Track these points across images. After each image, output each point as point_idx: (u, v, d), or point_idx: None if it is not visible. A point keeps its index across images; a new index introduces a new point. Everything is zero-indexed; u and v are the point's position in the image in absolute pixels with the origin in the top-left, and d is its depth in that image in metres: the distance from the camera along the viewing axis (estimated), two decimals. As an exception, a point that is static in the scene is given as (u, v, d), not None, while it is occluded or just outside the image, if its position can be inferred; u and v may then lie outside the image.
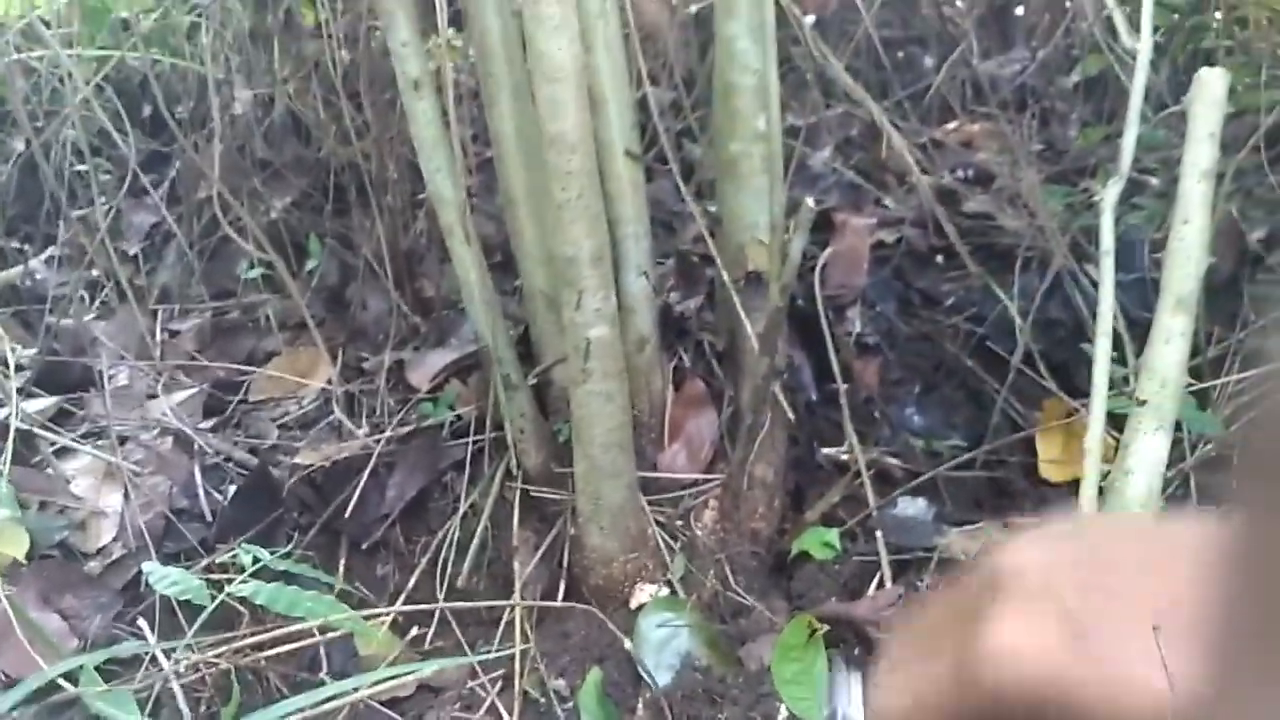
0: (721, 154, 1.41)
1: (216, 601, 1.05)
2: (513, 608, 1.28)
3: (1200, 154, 1.07)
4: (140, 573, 1.33)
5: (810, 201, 1.17)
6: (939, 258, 1.63)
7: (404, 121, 1.67)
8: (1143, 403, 0.98)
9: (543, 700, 1.20)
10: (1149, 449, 0.98)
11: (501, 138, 1.41)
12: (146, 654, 1.16)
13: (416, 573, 1.40)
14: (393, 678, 1.18)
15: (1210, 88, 1.09)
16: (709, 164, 1.76)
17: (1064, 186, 1.69)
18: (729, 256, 1.40)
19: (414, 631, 1.33)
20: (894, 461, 1.44)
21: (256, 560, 1.07)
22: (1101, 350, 0.98)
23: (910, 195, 1.72)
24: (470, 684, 1.23)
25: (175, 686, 1.12)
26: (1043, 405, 1.46)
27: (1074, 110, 1.95)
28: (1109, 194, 1.03)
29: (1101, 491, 0.99)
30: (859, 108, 1.90)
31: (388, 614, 1.27)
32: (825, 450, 1.46)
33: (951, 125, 1.93)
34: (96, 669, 1.06)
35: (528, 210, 1.43)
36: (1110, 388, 1.29)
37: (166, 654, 1.13)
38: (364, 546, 1.44)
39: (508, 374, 1.41)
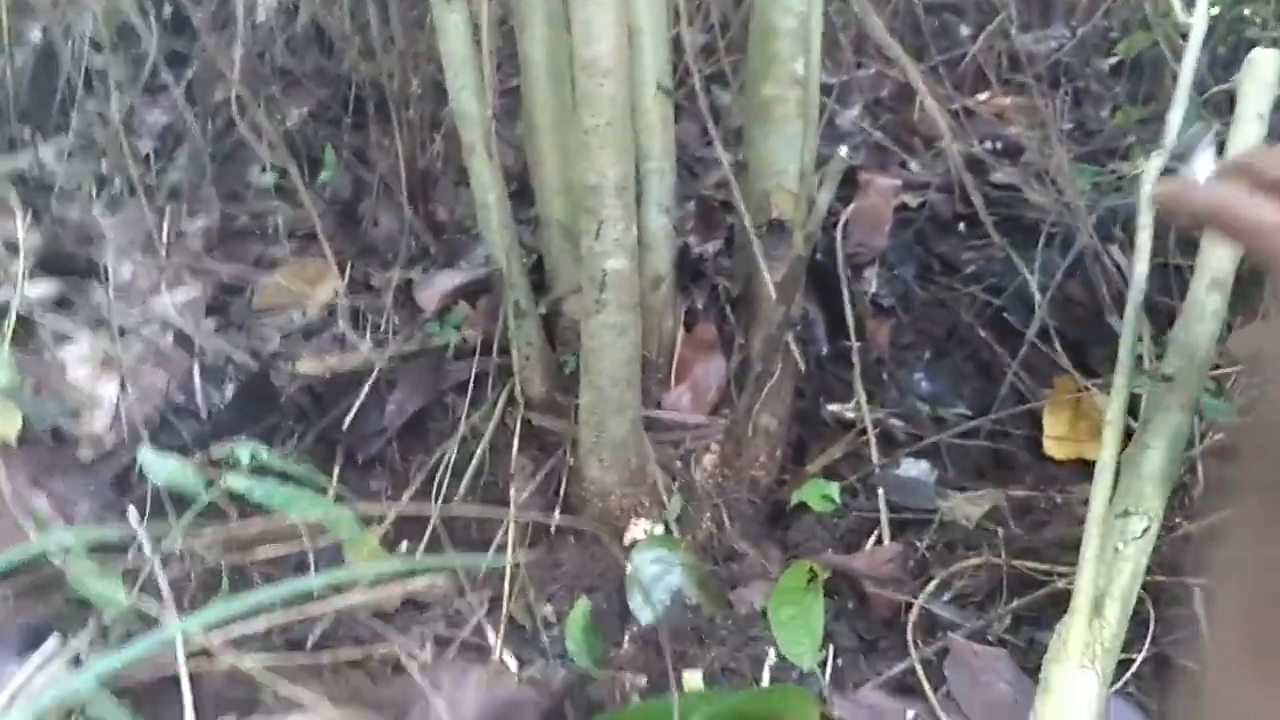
0: (754, 98, 1.39)
1: (209, 493, 1.03)
2: (506, 526, 1.27)
3: (1248, 134, 1.06)
4: (131, 465, 1.31)
5: (844, 151, 1.15)
6: (961, 226, 1.61)
7: (431, 39, 1.64)
8: (1169, 378, 0.97)
9: (529, 626, 1.19)
10: (1170, 425, 0.97)
11: (531, 63, 1.38)
12: (133, 542, 1.14)
13: (411, 490, 1.38)
14: (384, 581, 1.18)
15: (1261, 68, 1.08)
16: (737, 111, 1.74)
17: (1093, 166, 1.67)
18: (753, 203, 1.39)
19: (404, 546, 1.32)
20: (899, 424, 1.43)
21: (254, 456, 1.06)
22: (1131, 320, 0.96)
23: (937, 161, 1.70)
24: (457, 603, 1.22)
25: (160, 577, 1.11)
26: (1053, 382, 1.45)
27: (1108, 92, 1.93)
28: (1152, 165, 1.01)
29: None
30: (891, 69, 1.88)
31: (384, 517, 1.26)
32: (831, 407, 1.45)
33: (984, 96, 1.91)
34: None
35: (552, 138, 1.41)
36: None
37: (154, 543, 1.11)
38: (360, 461, 1.43)
39: (518, 300, 1.39)
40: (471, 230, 1.72)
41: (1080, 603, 0.84)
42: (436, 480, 1.40)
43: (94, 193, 1.80)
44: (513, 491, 1.34)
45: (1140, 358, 1.39)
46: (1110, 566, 0.88)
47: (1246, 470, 0.51)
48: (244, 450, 1.07)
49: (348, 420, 1.44)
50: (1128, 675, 0.98)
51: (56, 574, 1.07)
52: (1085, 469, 1.42)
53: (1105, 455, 0.89)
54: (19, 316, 1.42)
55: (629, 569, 1.20)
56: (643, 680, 1.10)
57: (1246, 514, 0.50)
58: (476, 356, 1.47)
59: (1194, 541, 1.10)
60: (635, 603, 1.17)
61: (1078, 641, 0.82)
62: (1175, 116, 1.05)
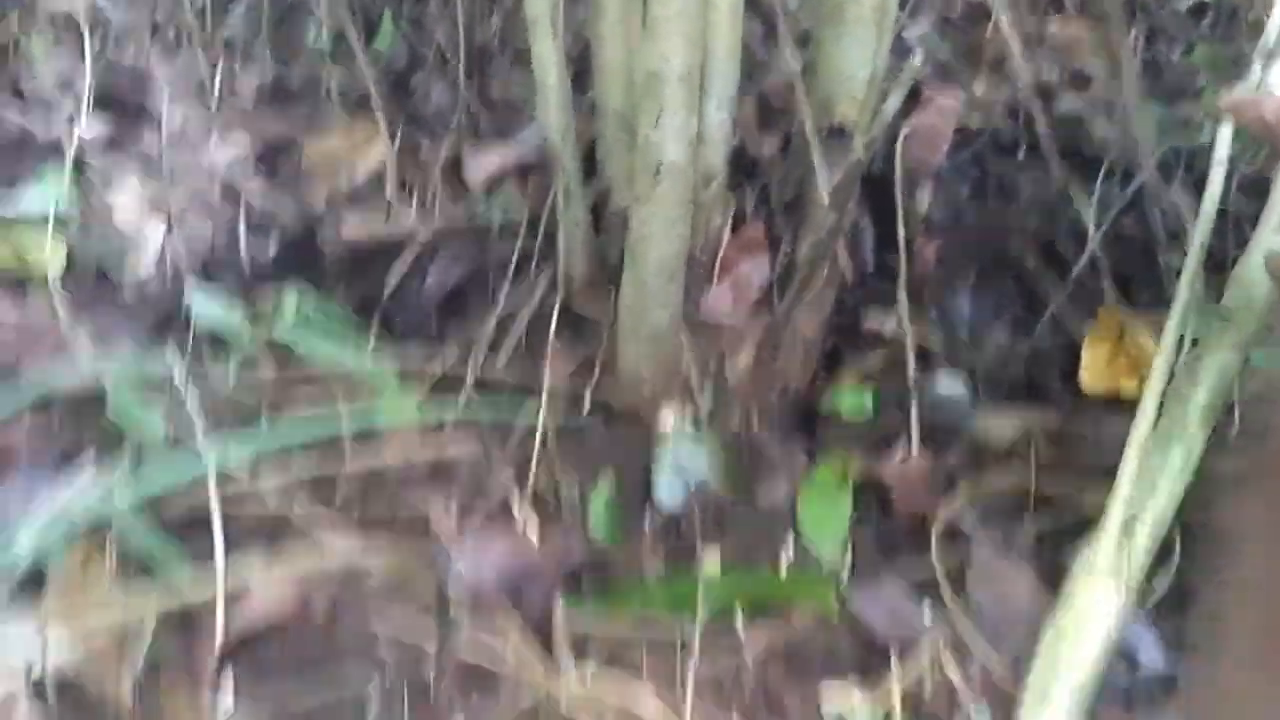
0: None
1: (251, 340, 1.04)
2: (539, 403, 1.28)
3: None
4: (173, 309, 1.32)
5: (917, 59, 1.13)
6: (1020, 152, 1.59)
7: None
8: (1226, 317, 0.96)
9: (552, 500, 1.21)
10: (1220, 363, 0.96)
11: (601, -57, 1.36)
12: (172, 382, 1.15)
13: (447, 364, 1.39)
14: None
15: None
16: (805, 14, 1.70)
17: (1161, 105, 1.64)
18: (815, 107, 1.36)
19: (436, 416, 1.33)
20: (937, 343, 1.43)
21: (299, 306, 1.06)
22: (1196, 252, 0.95)
23: (1002, 85, 1.67)
24: (483, 474, 1.23)
25: (196, 417, 1.12)
26: (1097, 315, 1.44)
27: (1182, 33, 1.88)
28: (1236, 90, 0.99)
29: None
30: (965, -12, 1.84)
31: (421, 379, 1.25)
32: (870, 320, 1.44)
33: (1055, 27, 1.87)
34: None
35: (616, 18, 1.38)
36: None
37: (193, 381, 1.12)
38: (398, 331, 1.43)
39: (568, 183, 1.38)
40: (524, 110, 1.70)
41: (1112, 522, 0.85)
42: (472, 357, 1.40)
43: (149, 39, 1.79)
44: (547, 373, 1.35)
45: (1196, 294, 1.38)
46: (1146, 492, 0.88)
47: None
48: (290, 298, 1.07)
49: (388, 289, 1.44)
50: (1150, 602, 0.99)
51: (95, 402, 1.08)
52: (1118, 406, 1.42)
53: (1155, 383, 0.88)
54: (70, 153, 1.42)
55: (656, 455, 1.21)
56: (660, 561, 1.11)
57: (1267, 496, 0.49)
58: (520, 238, 1.47)
59: (1227, 482, 1.10)
60: (660, 488, 1.19)
61: (1106, 558, 0.82)
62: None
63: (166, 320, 1.34)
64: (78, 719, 0.83)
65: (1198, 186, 1.53)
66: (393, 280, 1.42)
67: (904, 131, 1.53)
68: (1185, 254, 1.43)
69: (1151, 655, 0.94)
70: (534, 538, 1.11)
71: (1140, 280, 1.45)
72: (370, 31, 1.87)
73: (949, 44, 1.78)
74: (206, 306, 1.05)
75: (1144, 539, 0.86)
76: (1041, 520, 1.09)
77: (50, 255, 1.27)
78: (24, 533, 0.93)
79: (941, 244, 1.50)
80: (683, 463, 1.20)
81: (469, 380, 1.36)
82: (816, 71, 1.40)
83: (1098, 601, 0.80)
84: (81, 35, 1.80)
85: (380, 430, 1.30)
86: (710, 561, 1.08)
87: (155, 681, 0.89)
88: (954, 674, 0.90)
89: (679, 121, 1.22)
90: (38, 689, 0.82)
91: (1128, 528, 0.85)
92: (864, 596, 0.96)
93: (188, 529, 1.07)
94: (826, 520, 1.02)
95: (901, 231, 1.43)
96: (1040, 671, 0.76)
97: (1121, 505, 0.85)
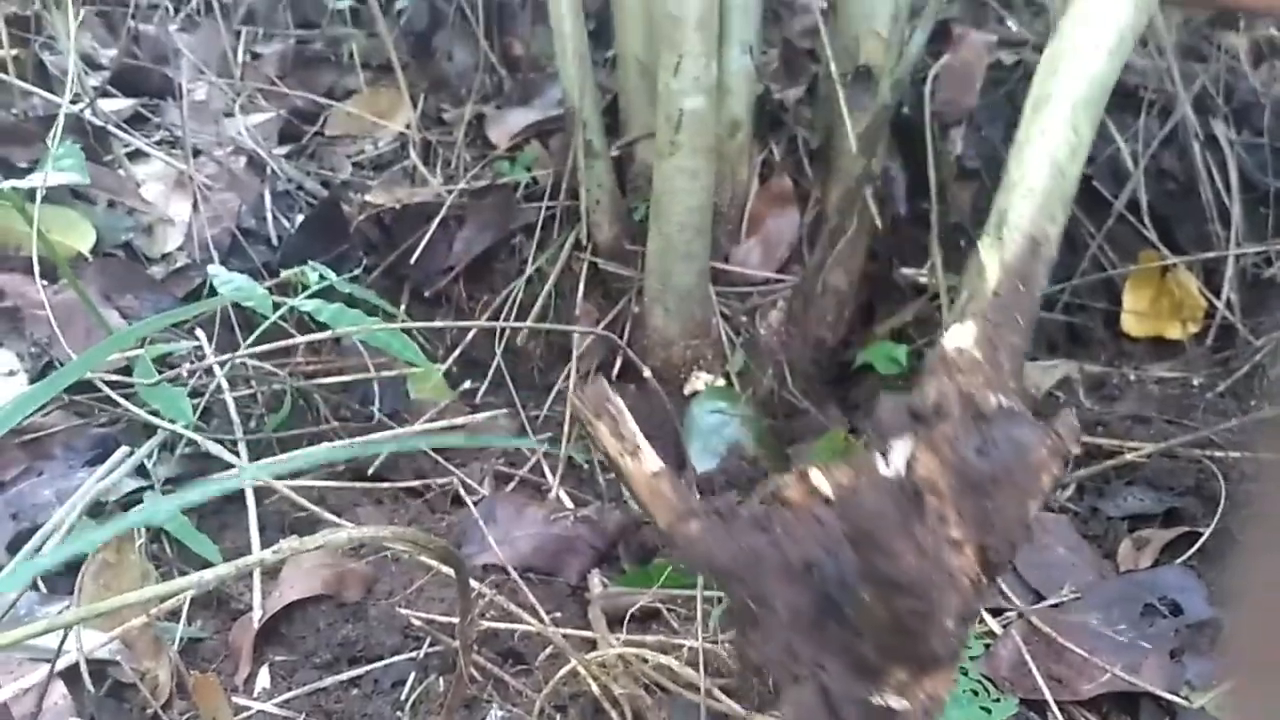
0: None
1: (278, 313, 1.04)
2: (568, 370, 1.27)
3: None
4: (201, 285, 1.32)
5: (941, -4, 1.09)
6: (1056, 88, 1.54)
7: None
8: None
9: (585, 467, 1.20)
10: None
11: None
12: (199, 359, 1.15)
13: (475, 330, 1.38)
14: (447, 428, 1.19)
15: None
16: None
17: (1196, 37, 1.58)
18: (839, 49, 1.33)
19: (466, 384, 1.33)
20: (973, 290, 1.39)
21: (323, 279, 1.06)
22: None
23: (1036, 19, 1.62)
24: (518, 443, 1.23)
25: (227, 396, 1.12)
26: (1137, 258, 1.40)
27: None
28: None
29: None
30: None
31: (449, 349, 1.25)
32: (905, 270, 1.41)
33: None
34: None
35: (636, -29, 1.35)
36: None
37: (221, 363, 1.13)
38: (426, 295, 1.43)
39: (591, 140, 1.36)
40: (548, 69, 1.68)
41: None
42: (500, 320, 1.40)
43: (170, 10, 1.78)
44: (575, 336, 1.34)
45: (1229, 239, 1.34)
46: None
47: None
48: (313, 273, 1.07)
49: (415, 255, 1.44)
50: (1192, 550, 0.97)
51: (126, 384, 1.08)
52: (1162, 347, 1.38)
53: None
54: (93, 129, 1.41)
55: (688, 417, 1.20)
56: (696, 527, 1.10)
57: None
58: (546, 199, 1.45)
59: (1265, 424, 1.07)
60: (693, 451, 1.17)
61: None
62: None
63: (195, 295, 1.34)
64: (116, 702, 0.84)
65: (1239, 118, 1.48)
66: (419, 248, 1.41)
67: (934, 71, 1.49)
68: (1228, 189, 1.39)
69: (1195, 603, 0.92)
70: (569, 507, 1.11)
71: (1180, 217, 1.41)
72: (390, -7, 1.85)
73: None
74: (229, 282, 1.04)
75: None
76: (1081, 469, 1.07)
77: (75, 238, 1.27)
78: (58, 518, 0.94)
79: (977, 187, 1.46)
80: (715, 425, 1.19)
81: (498, 347, 1.35)
82: (840, 11, 1.36)
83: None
84: (104, 9, 1.80)
85: (410, 400, 1.30)
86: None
87: (193, 663, 0.90)
88: (993, 626, 0.88)
89: (699, 69, 1.19)
90: (74, 673, 0.83)
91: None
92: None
93: (225, 508, 1.08)
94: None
95: (934, 176, 1.39)
96: (1040, 79, 0.69)
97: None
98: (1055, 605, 0.90)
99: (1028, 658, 0.84)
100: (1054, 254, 0.64)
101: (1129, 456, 1.06)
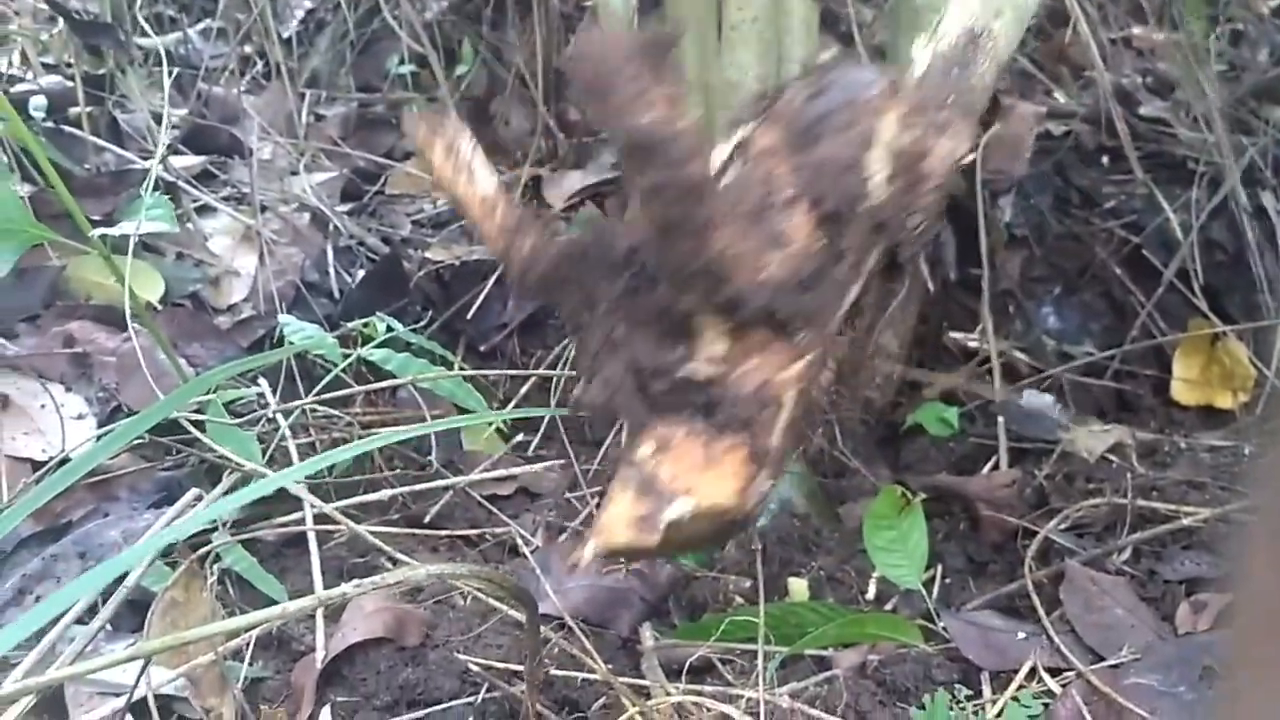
0: (903, 7, 1.35)
1: (346, 361, 1.06)
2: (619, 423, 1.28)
3: None
4: (265, 335, 1.35)
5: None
6: (1104, 159, 1.56)
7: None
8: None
9: (638, 521, 1.21)
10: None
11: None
12: (264, 407, 1.18)
13: (528, 384, 1.40)
14: (501, 478, 1.21)
15: None
16: (881, 26, 1.70)
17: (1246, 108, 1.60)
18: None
19: (519, 437, 1.35)
20: (1022, 357, 1.41)
21: (390, 330, 1.09)
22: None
23: (1084, 91, 1.65)
24: (569, 495, 1.24)
25: (290, 443, 1.15)
26: (1187, 326, 1.41)
27: (1266, 36, 1.84)
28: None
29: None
30: (1044, -5, 1.81)
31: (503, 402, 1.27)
32: (954, 334, 1.43)
33: (1138, 29, 1.83)
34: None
35: (693, 35, 1.39)
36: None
37: (285, 411, 1.15)
38: (481, 350, 1.46)
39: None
40: (601, 134, 1.72)
41: None
42: (555, 375, 1.42)
43: (238, 73, 1.84)
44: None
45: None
46: None
47: None
48: (380, 324, 1.10)
49: (471, 310, 1.47)
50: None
51: (193, 429, 1.11)
52: (1212, 416, 1.39)
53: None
54: (164, 185, 1.46)
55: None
56: (746, 584, 1.11)
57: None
58: (600, 257, 1.48)
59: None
60: (745, 508, 1.18)
61: None
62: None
63: (259, 346, 1.37)
64: (182, 739, 0.86)
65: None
66: (476, 304, 1.44)
67: (984, 140, 1.52)
68: (1277, 260, 1.40)
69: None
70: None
71: (1228, 287, 1.42)
72: (450, 58, 1.90)
73: (1030, 50, 1.76)
74: (299, 330, 1.07)
75: None
76: (1137, 533, 1.07)
77: (144, 288, 1.31)
78: (127, 559, 0.96)
79: (1025, 255, 1.48)
80: (767, 481, 1.20)
81: (552, 401, 1.37)
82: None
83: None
84: (174, 70, 1.86)
85: (467, 451, 1.32)
86: (796, 587, 1.07)
87: (255, 702, 0.91)
88: (1053, 685, 0.88)
89: (756, 139, 1.22)
90: (141, 708, 0.85)
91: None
92: (955, 623, 0.95)
93: (284, 552, 1.10)
94: (899, 549, 1.00)
95: (984, 242, 1.41)
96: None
97: None
98: (1114, 666, 0.90)
99: (1088, 717, 0.84)
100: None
101: (1185, 521, 1.06)
